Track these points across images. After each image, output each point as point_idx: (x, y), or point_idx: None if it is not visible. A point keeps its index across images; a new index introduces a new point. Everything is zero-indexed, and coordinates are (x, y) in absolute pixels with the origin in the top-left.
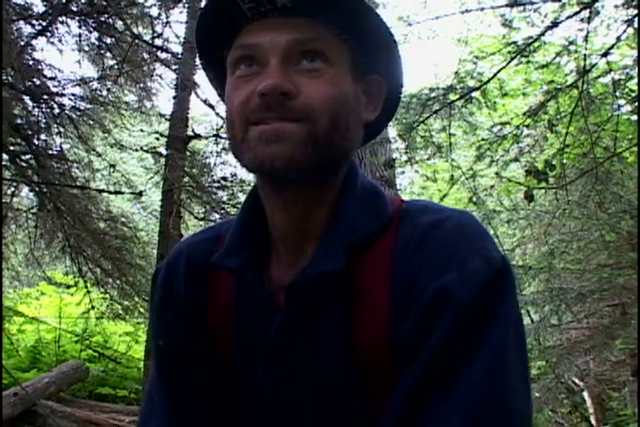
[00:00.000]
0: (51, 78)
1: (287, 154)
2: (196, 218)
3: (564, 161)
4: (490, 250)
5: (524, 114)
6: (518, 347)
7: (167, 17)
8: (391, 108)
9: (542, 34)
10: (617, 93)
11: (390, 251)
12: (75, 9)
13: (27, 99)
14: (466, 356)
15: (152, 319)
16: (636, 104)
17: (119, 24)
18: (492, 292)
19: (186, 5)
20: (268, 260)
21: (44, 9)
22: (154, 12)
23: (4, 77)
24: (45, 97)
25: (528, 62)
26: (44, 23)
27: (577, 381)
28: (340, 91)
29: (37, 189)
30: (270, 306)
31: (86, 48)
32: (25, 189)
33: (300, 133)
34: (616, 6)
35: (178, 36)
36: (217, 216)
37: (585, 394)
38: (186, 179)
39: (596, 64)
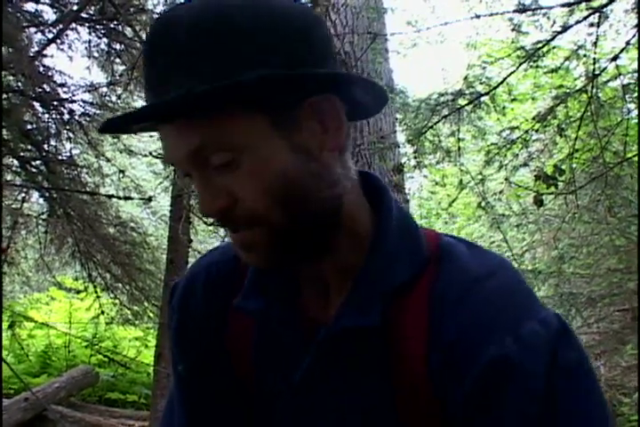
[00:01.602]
0: (61, 84)
1: (266, 258)
2: (205, 223)
3: (574, 166)
4: (540, 310)
5: (533, 118)
6: (601, 411)
7: None
8: (364, 96)
9: (552, 39)
10: (626, 98)
11: (428, 298)
12: (85, 16)
13: (37, 105)
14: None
15: (171, 342)
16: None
17: (129, 30)
18: (557, 352)
19: None
20: (295, 292)
21: (54, 16)
22: None
23: (15, 84)
24: (55, 103)
25: (537, 67)
26: (55, 31)
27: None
28: (268, 171)
29: (47, 194)
30: (298, 345)
31: (96, 54)
32: (35, 195)
33: (263, 239)
34: (625, 11)
35: None
36: None
37: None
38: None
39: (606, 68)
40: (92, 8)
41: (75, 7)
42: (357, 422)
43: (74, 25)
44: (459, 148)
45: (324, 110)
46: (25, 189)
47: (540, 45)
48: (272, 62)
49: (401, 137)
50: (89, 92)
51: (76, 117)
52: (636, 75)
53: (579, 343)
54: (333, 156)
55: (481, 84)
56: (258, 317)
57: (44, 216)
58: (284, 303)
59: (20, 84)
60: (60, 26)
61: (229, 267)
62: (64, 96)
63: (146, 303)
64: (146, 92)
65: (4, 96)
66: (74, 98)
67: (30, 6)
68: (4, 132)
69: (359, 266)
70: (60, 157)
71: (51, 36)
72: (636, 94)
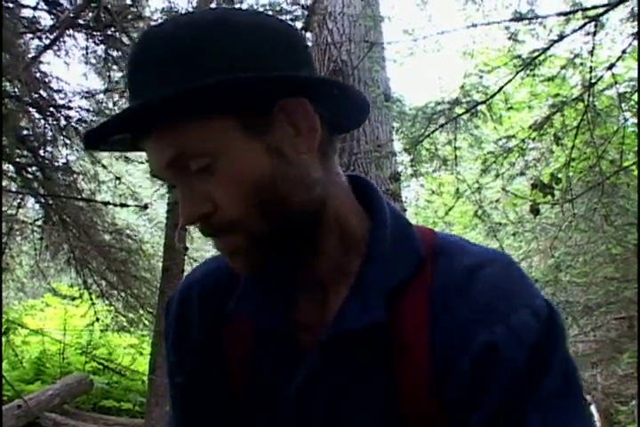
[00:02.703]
0: (57, 91)
1: (250, 263)
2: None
3: (570, 174)
4: (534, 298)
5: (530, 127)
6: (575, 395)
7: None
8: (339, 101)
9: (548, 47)
10: (623, 106)
11: (427, 294)
12: (82, 22)
13: (33, 111)
14: (519, 416)
15: (167, 355)
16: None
17: (125, 37)
18: (543, 344)
19: None
20: (292, 296)
21: (51, 22)
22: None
23: (12, 90)
24: (52, 109)
25: (534, 75)
26: (52, 37)
27: (584, 394)
28: (244, 175)
29: (43, 201)
30: (294, 350)
31: (93, 61)
32: (31, 201)
33: (244, 244)
34: (621, 20)
35: None
36: None
37: (592, 408)
38: None
39: (602, 77)
40: (89, 15)
41: (72, 14)
42: (362, 421)
43: (71, 31)
44: (455, 156)
45: (296, 113)
46: (20, 196)
47: (536, 54)
48: (241, 68)
49: (398, 146)
50: (85, 98)
51: (73, 124)
52: (632, 83)
53: (565, 341)
54: (310, 158)
55: (478, 92)
56: (252, 318)
57: (39, 223)
58: (277, 307)
59: (16, 90)
60: (57, 32)
61: (224, 277)
62: (60, 102)
63: (141, 311)
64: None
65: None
66: (70, 104)
67: (27, 12)
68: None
69: (355, 269)
70: (55, 164)
71: (47, 42)
72: (632, 103)
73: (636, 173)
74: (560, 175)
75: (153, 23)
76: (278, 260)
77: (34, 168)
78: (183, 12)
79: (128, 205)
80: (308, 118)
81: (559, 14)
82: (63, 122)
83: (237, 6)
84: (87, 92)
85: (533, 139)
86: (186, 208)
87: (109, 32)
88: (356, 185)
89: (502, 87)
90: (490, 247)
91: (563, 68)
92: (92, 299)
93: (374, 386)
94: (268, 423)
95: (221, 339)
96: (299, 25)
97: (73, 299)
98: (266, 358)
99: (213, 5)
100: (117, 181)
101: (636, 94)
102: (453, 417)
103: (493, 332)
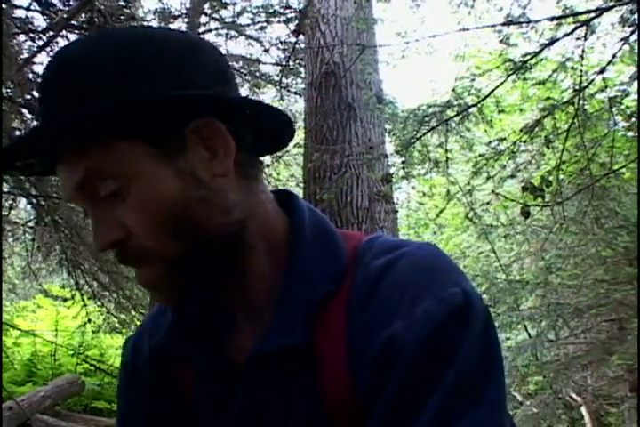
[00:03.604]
0: None
1: (171, 296)
2: None
3: (561, 177)
4: (445, 287)
5: (521, 130)
6: (479, 386)
7: None
8: (259, 119)
9: (539, 51)
10: (613, 110)
11: (346, 304)
12: (75, 23)
13: (26, 112)
14: (415, 408)
15: (118, 394)
16: (633, 120)
17: None
18: (446, 333)
19: (185, 19)
20: (228, 322)
21: (44, 23)
22: (154, 26)
23: (4, 91)
24: None
25: (525, 79)
26: (45, 38)
27: (575, 396)
28: (156, 200)
29: (35, 201)
30: (232, 374)
31: None
32: (23, 202)
33: (162, 275)
34: (612, 24)
35: None
36: None
37: (583, 410)
38: None
39: (593, 81)
40: (83, 16)
41: (65, 15)
42: None
43: (64, 32)
44: (447, 158)
45: (210, 135)
46: (12, 197)
47: (528, 58)
48: (152, 87)
49: (390, 147)
50: None
51: None
52: (622, 87)
53: (475, 327)
54: (227, 182)
55: (469, 95)
56: (180, 355)
57: (31, 224)
58: (207, 340)
59: (9, 91)
60: (51, 33)
61: (170, 317)
62: None
63: (133, 312)
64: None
65: None
66: None
67: (21, 13)
68: None
69: (281, 285)
70: None
71: (41, 43)
72: (622, 107)
73: (625, 175)
74: (550, 178)
75: (146, 24)
76: (205, 289)
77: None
78: (176, 13)
79: None
80: (223, 140)
81: (551, 18)
82: None
83: (222, 10)
84: None
85: (524, 142)
86: (98, 234)
87: None
88: (282, 199)
89: (494, 90)
90: (418, 241)
91: (554, 71)
92: (83, 300)
93: (305, 402)
94: None
95: (170, 380)
96: (291, 27)
97: (65, 300)
98: (207, 389)
99: (206, 6)
100: None
101: (626, 98)
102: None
103: (393, 326)
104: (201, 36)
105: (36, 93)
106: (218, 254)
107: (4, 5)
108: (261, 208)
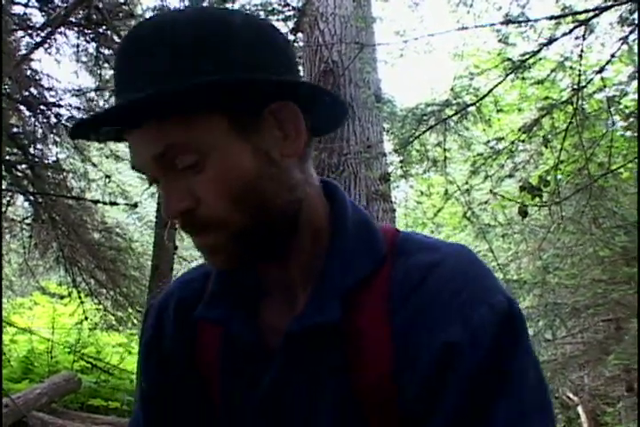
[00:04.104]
0: (48, 88)
1: (229, 260)
2: None
3: (559, 177)
4: (494, 294)
5: (520, 129)
6: (537, 392)
7: None
8: (322, 107)
9: (538, 50)
10: (611, 110)
11: (386, 292)
12: (73, 20)
13: (23, 109)
14: (483, 415)
15: (141, 359)
16: (631, 120)
17: (116, 36)
18: (503, 342)
19: None
20: (261, 300)
21: (42, 20)
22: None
23: (2, 87)
24: (42, 107)
25: (523, 78)
26: (43, 34)
27: (571, 396)
28: (231, 173)
29: (32, 198)
30: (262, 351)
31: (84, 59)
32: (20, 199)
33: (224, 241)
34: (610, 24)
35: None
36: None
37: (579, 409)
38: None
39: (591, 80)
40: (81, 13)
41: (63, 12)
42: (325, 422)
43: (62, 29)
44: (445, 158)
45: (285, 118)
46: (10, 193)
47: (526, 57)
48: (238, 68)
49: (388, 146)
50: (76, 96)
51: (63, 122)
52: (621, 87)
53: (525, 333)
54: (293, 162)
55: (468, 94)
56: (220, 324)
57: (28, 221)
58: (245, 313)
59: (7, 87)
60: (48, 29)
61: (200, 285)
62: (51, 100)
63: (130, 309)
64: (115, 96)
65: None
66: (61, 102)
67: (19, 9)
68: None
69: (321, 268)
70: (45, 162)
71: (39, 39)
72: (620, 106)
73: (623, 175)
74: (549, 178)
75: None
76: (253, 258)
77: (23, 166)
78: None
79: (118, 204)
80: (297, 124)
81: (549, 18)
82: (53, 120)
83: (228, 6)
84: (78, 90)
85: (522, 141)
86: (169, 203)
87: (101, 30)
88: (325, 188)
89: (492, 89)
90: (453, 242)
91: (552, 71)
92: (80, 297)
93: (334, 383)
94: (238, 423)
95: (194, 343)
96: (290, 25)
97: (62, 297)
98: (234, 364)
99: (205, 3)
100: (107, 180)
101: (625, 98)
102: (411, 412)
103: (452, 331)
104: None
105: (33, 90)
106: (277, 229)
107: (2, 1)
108: (312, 190)
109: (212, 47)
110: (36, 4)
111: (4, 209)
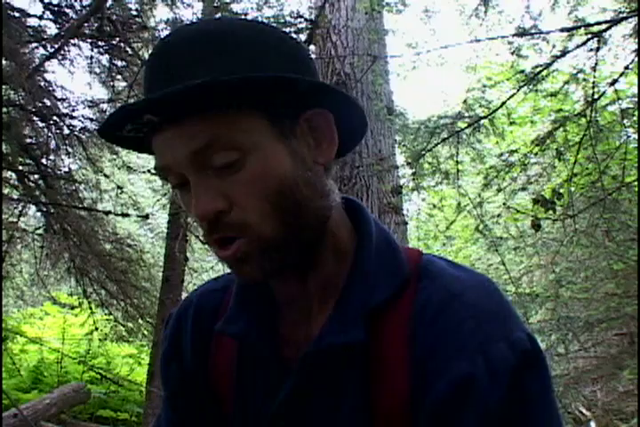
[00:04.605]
0: (61, 99)
1: (257, 273)
2: (201, 242)
3: (572, 190)
4: (514, 330)
5: (532, 142)
6: None
7: None
8: (352, 120)
9: (551, 63)
10: (625, 122)
11: (408, 316)
12: (87, 32)
13: (37, 119)
14: None
15: (161, 369)
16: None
17: (129, 48)
18: (522, 381)
19: None
20: (277, 310)
21: (56, 31)
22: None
23: (15, 98)
24: (55, 118)
25: (536, 90)
26: (56, 45)
27: (584, 411)
28: (270, 174)
29: (44, 209)
30: (278, 363)
31: (97, 70)
32: (32, 210)
33: (252, 250)
34: (624, 36)
35: None
36: None
37: (592, 425)
38: None
39: (605, 93)
40: (94, 25)
41: (75, 22)
42: None
43: (75, 41)
44: (457, 170)
45: (319, 126)
46: (22, 204)
47: (539, 69)
48: (278, 68)
49: (400, 159)
50: (89, 107)
51: (76, 133)
52: (634, 99)
53: (545, 371)
54: (322, 170)
55: (480, 107)
56: (238, 340)
57: (40, 231)
58: (263, 327)
59: (20, 98)
60: (61, 41)
61: (218, 299)
62: (64, 111)
63: (140, 321)
64: (148, 92)
65: (4, 110)
66: (74, 113)
67: (33, 22)
68: (3, 145)
69: (341, 284)
70: (58, 172)
71: (52, 51)
72: (634, 118)
73: (637, 188)
74: (562, 190)
75: (157, 34)
76: (282, 268)
77: (36, 176)
78: (188, 23)
79: (129, 215)
80: (330, 133)
81: (562, 30)
82: (66, 131)
83: (242, 17)
84: (91, 102)
85: (535, 154)
86: (201, 203)
87: (114, 42)
88: (346, 202)
89: (505, 102)
90: (475, 271)
91: (565, 83)
92: (91, 308)
93: (352, 403)
94: None
95: (210, 355)
96: (302, 37)
97: (72, 308)
98: (250, 375)
99: (218, 16)
100: (119, 191)
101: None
102: None
103: (470, 363)
104: None
105: (47, 101)
106: (306, 239)
107: (16, 13)
108: (337, 204)
109: (258, 45)
110: (51, 17)
111: (16, 219)
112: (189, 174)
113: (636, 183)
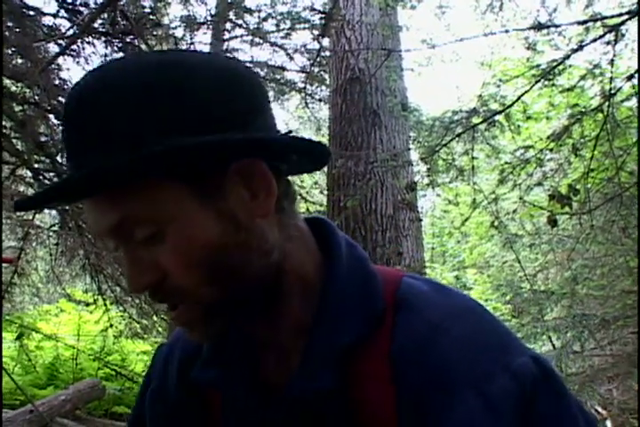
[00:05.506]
0: None
1: (205, 334)
2: None
3: (589, 186)
4: (513, 355)
5: (548, 138)
6: None
7: (191, 38)
8: (295, 152)
9: (567, 57)
10: None
11: (387, 353)
12: (101, 29)
13: (52, 117)
14: None
15: (141, 402)
16: None
17: (144, 45)
18: (531, 406)
19: (210, 27)
20: (256, 352)
21: (72, 30)
22: (179, 33)
23: (31, 96)
24: None
25: (552, 85)
26: (68, 41)
27: (600, 409)
28: (194, 243)
29: (59, 206)
30: (258, 406)
31: None
32: None
33: (195, 315)
34: None
35: None
36: None
37: (608, 423)
38: None
39: (621, 88)
40: (108, 21)
41: (87, 17)
42: None
43: (90, 39)
44: (472, 166)
45: (251, 176)
46: None
47: (555, 64)
48: (186, 130)
49: (414, 155)
50: None
51: None
52: None
53: (559, 390)
54: (266, 221)
55: (495, 102)
56: (214, 387)
57: (55, 228)
58: (241, 372)
59: (35, 95)
60: (74, 36)
61: None
62: None
63: (155, 317)
64: (67, 160)
65: (20, 108)
66: None
67: (48, 20)
68: (19, 143)
69: (310, 325)
70: None
71: (64, 46)
72: None
73: None
74: (578, 186)
75: (172, 31)
76: (237, 325)
77: (51, 174)
78: (202, 20)
79: None
80: (265, 181)
81: (578, 23)
82: None
83: (254, 16)
84: None
85: (551, 149)
86: (133, 277)
87: (128, 39)
88: (316, 229)
89: (520, 97)
90: (462, 294)
91: (582, 78)
92: (106, 305)
93: None
94: None
95: (197, 398)
96: (316, 32)
97: (87, 305)
98: (236, 418)
99: (231, 13)
100: None
101: None
102: None
103: (466, 404)
104: (225, 42)
105: (62, 99)
106: (254, 297)
107: (31, 11)
108: (297, 244)
109: (163, 108)
110: (65, 15)
111: (31, 217)
112: (118, 243)
113: None
